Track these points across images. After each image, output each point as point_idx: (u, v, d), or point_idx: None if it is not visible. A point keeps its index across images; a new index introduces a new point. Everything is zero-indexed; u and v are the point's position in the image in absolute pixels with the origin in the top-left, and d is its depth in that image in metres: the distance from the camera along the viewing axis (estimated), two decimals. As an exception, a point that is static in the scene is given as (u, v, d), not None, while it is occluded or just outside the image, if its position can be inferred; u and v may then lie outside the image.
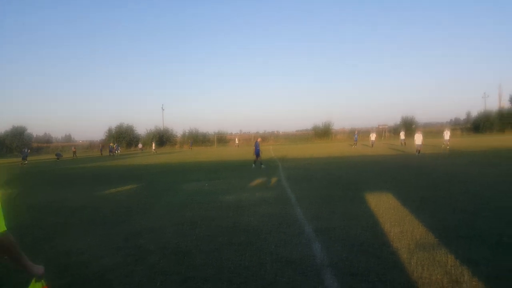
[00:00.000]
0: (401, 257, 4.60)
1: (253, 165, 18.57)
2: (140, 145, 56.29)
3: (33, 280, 2.20)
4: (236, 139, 58.78)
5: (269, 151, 35.08)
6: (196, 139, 63.94)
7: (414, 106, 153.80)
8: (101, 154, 48.06)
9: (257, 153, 18.62)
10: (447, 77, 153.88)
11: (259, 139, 20.45)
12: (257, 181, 12.90)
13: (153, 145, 49.63)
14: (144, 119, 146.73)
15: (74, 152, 46.64)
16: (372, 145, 35.18)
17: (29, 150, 36.64)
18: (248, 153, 33.01)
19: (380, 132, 59.56)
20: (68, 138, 75.90)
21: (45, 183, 16.17)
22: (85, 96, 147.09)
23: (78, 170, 23.73)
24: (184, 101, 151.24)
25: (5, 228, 1.93)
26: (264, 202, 8.84)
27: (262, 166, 18.12)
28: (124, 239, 6.17)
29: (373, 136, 36.33)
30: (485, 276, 3.89)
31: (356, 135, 38.21)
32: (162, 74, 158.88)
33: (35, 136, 70.34)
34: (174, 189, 11.89)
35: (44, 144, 67.20)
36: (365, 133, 54.06)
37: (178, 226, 6.87)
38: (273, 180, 12.97)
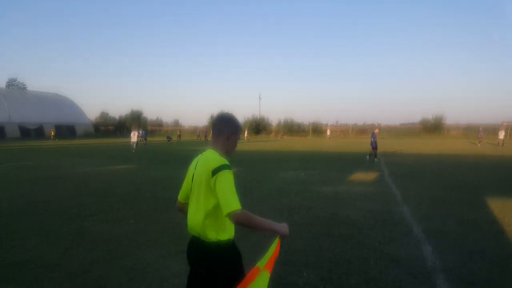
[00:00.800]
0: (534, 272, 4.01)
1: (375, 158, 17.35)
2: None
3: (277, 238, 2.21)
4: (328, 131, 57.43)
5: (368, 145, 33.51)
6: (291, 128, 64.33)
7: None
8: (206, 139, 50.78)
9: (374, 145, 17.43)
10: None
11: (376, 130, 18.78)
12: (357, 174, 12.48)
13: (246, 132, 51.46)
14: (242, 107, 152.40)
15: (179, 136, 50.87)
16: (501, 144, 30.78)
17: (144, 132, 41.38)
18: (342, 145, 32.10)
19: (506, 129, 51.71)
20: (176, 123, 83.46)
21: (159, 162, 18.02)
22: (191, 84, 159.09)
23: (185, 152, 25.88)
24: (281, 90, 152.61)
25: (239, 207, 1.95)
26: (364, 196, 8.53)
27: (372, 159, 16.96)
28: (228, 217, 6.57)
29: (501, 134, 31.87)
30: None
31: (481, 132, 33.47)
32: (259, 62, 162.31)
33: (149, 119, 78.94)
34: (271, 176, 12.21)
35: (156, 127, 74.89)
36: (486, 130, 47.77)
37: (276, 211, 7.04)
38: (375, 175, 12.40)
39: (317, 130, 64.54)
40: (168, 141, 42.91)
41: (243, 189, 9.48)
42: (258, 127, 66.10)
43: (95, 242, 5.06)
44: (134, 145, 26.63)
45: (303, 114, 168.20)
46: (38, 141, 38.83)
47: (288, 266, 4.23)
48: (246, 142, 41.61)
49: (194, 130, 68.23)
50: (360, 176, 12.16)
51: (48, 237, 5.28)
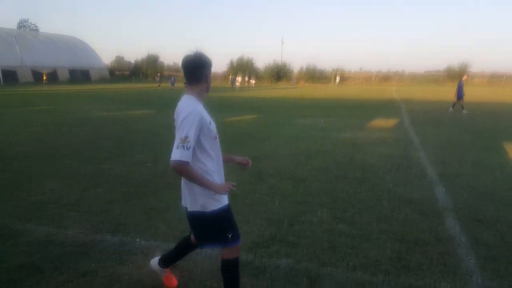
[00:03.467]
0: (542, 212, 4.12)
1: (463, 110, 14.97)
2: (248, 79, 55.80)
3: None
4: (338, 77, 55.45)
5: (391, 92, 32.63)
6: (313, 75, 62.73)
7: None
8: (232, 86, 48.22)
9: (460, 95, 15.15)
10: None
11: (464, 77, 16.75)
12: (376, 121, 12.32)
13: (252, 80, 50.51)
14: (264, 52, 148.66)
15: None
16: None
17: (174, 78, 41.70)
18: (356, 93, 31.28)
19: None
20: None
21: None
22: (211, 28, 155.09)
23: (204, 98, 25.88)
24: (306, 35, 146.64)
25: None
26: (383, 142, 8.49)
27: (456, 109, 15.19)
28: (245, 161, 6.69)
29: None
30: None
31: None
32: (284, 5, 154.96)
33: (166, 64, 77.03)
34: (289, 122, 12.20)
35: (173, 73, 73.41)
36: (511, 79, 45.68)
37: (294, 156, 7.13)
38: (394, 122, 12.21)
39: (341, 77, 62.50)
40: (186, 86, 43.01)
41: (262, 135, 9.56)
42: (279, 73, 64.63)
43: (113, 184, 5.26)
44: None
45: (327, 60, 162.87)
46: (52, 86, 38.66)
47: (303, 206, 4.38)
48: (253, 90, 40.50)
49: (213, 77, 66.99)
50: (380, 122, 12.01)
51: (66, 180, 5.45)
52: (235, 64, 66.52)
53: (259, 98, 26.02)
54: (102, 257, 3.15)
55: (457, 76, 53.97)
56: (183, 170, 2.01)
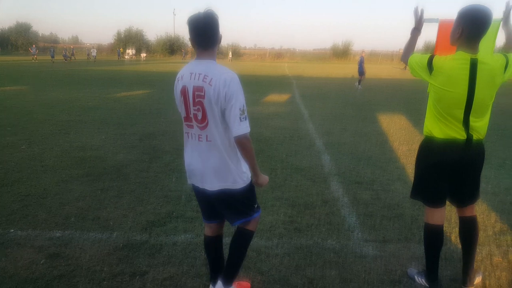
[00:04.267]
0: (406, 172, 4.79)
1: (359, 85, 15.93)
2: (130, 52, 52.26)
3: None
4: (230, 53, 56.35)
5: (283, 69, 34.23)
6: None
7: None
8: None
9: (361, 71, 15.94)
10: None
11: (363, 54, 17.10)
12: (271, 96, 12.81)
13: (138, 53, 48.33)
14: (155, 24, 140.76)
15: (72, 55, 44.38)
16: (404, 68, 34.43)
17: (54, 50, 37.03)
18: (252, 69, 32.22)
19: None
20: (75, 40, 73.17)
21: (54, 82, 16.14)
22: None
23: (89, 72, 23.60)
24: (196, 8, 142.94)
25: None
26: (276, 116, 8.88)
27: (359, 87, 15.83)
28: (138, 139, 6.33)
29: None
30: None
31: None
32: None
33: (41, 34, 68.10)
34: (186, 98, 11.89)
35: (50, 44, 64.64)
36: (386, 56, 52.27)
37: (191, 132, 6.97)
38: (287, 97, 12.87)
39: (235, 53, 62.99)
40: (65, 60, 38.45)
41: (156, 111, 9.13)
42: (173, 47, 62.00)
43: (-22, 171, 4.50)
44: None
45: (224, 36, 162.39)
46: None
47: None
48: (144, 63, 38.73)
49: (98, 48, 61.02)
50: (274, 97, 12.52)
51: None
52: (122, 36, 61.83)
53: (151, 73, 24.78)
54: (-36, 255, 2.66)
55: (341, 53, 59.65)
56: (249, 142, 1.85)
